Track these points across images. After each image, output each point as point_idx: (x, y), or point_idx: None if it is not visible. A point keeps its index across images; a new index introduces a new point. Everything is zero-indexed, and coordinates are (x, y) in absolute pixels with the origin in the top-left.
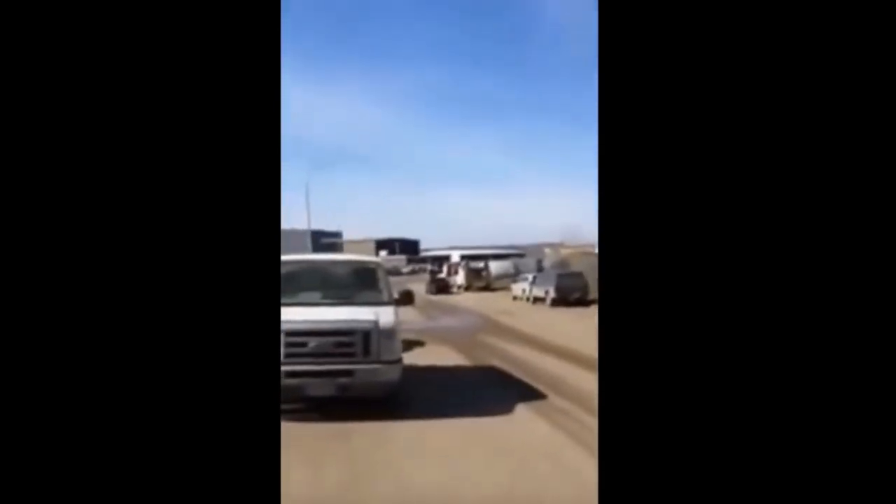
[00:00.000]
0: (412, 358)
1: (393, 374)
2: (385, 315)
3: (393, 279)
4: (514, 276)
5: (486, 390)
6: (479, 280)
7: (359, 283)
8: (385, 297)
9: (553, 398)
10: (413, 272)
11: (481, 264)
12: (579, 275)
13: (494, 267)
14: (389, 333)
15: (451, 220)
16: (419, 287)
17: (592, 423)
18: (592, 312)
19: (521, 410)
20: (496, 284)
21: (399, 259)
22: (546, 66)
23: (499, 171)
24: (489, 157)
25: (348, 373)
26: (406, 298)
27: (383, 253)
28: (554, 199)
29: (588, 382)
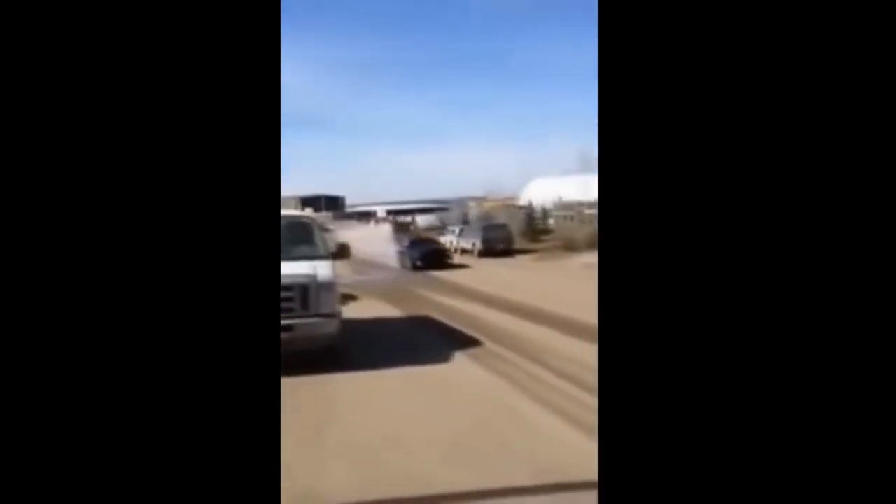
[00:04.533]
0: (347, 312)
1: (332, 327)
2: (323, 269)
3: None
4: (440, 229)
5: (423, 340)
6: (407, 234)
7: (294, 238)
8: (322, 251)
9: (488, 344)
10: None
11: (408, 218)
12: (504, 226)
13: (421, 221)
14: (328, 287)
15: (376, 177)
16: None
17: (527, 366)
18: (518, 263)
19: (459, 358)
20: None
21: (325, 215)
22: (479, 27)
23: (424, 129)
24: (416, 117)
25: (287, 327)
26: (342, 252)
27: (308, 209)
28: (476, 154)
29: (519, 327)
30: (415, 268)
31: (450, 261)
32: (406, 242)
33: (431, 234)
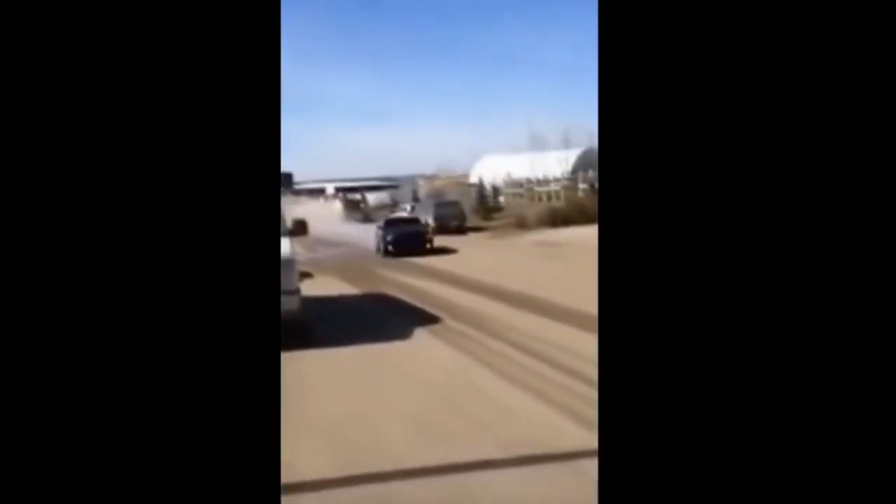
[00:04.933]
0: (302, 289)
1: (292, 304)
2: (281, 246)
3: None
4: (392, 206)
5: (382, 316)
6: (357, 211)
7: None
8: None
9: (448, 321)
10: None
11: (358, 196)
12: (456, 203)
13: (372, 198)
14: (287, 264)
15: (325, 154)
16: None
17: (488, 342)
18: (472, 240)
19: (420, 334)
20: (374, 215)
21: None
22: (438, 14)
23: (375, 108)
24: (367, 96)
25: None
26: (300, 229)
27: None
28: (427, 132)
29: (476, 303)
30: (386, 253)
31: (431, 245)
32: (380, 221)
33: (382, 212)
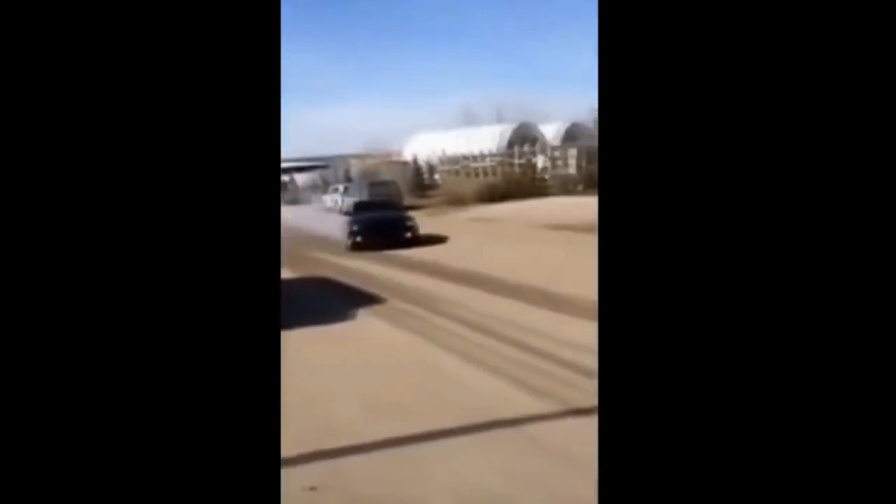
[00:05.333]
0: None
1: None
2: None
3: None
4: (322, 187)
5: (325, 299)
6: (285, 192)
7: None
8: None
9: (389, 299)
10: None
11: (286, 177)
12: (390, 183)
13: (301, 179)
14: None
15: None
16: None
17: (432, 318)
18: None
19: (363, 314)
20: (304, 198)
21: None
22: None
23: (303, 87)
24: (294, 74)
25: None
26: None
27: None
28: (358, 111)
29: (418, 282)
30: (354, 246)
31: (414, 234)
32: (349, 205)
33: (313, 194)
